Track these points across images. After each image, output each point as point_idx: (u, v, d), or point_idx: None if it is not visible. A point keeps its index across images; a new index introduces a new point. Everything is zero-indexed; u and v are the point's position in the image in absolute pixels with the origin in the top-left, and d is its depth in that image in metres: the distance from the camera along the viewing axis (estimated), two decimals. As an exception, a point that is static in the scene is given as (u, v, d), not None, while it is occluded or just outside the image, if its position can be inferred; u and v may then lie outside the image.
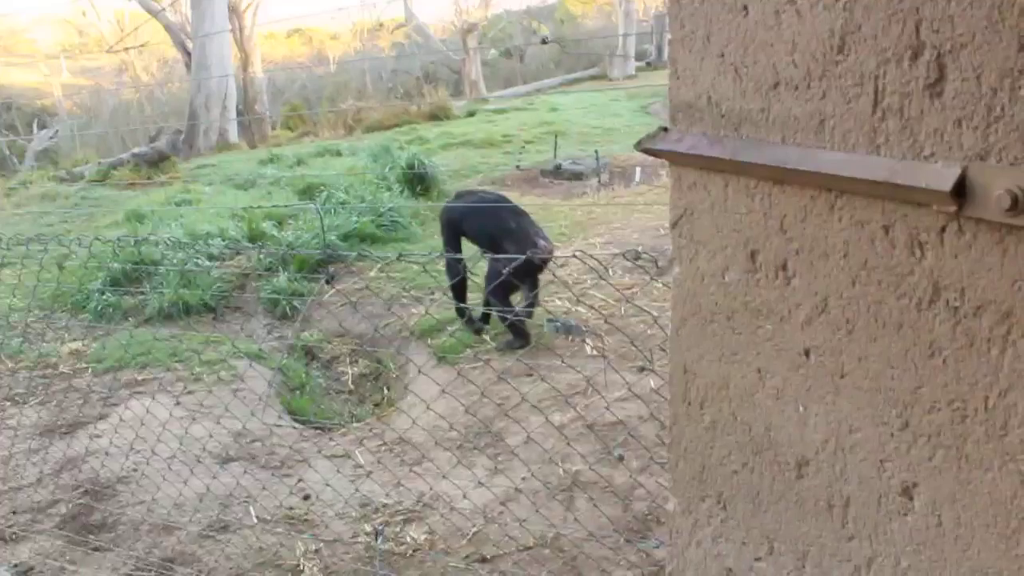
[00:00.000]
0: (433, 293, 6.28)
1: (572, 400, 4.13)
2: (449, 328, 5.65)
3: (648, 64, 24.59)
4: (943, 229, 1.03)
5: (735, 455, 1.39)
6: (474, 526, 3.60)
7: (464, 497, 3.58)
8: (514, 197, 9.53)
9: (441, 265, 6.76)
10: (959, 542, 1.11)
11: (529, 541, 3.46)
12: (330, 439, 4.72)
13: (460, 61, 23.32)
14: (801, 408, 1.26)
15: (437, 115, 17.18)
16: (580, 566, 3.27)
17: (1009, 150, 0.94)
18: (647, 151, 1.32)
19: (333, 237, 7.73)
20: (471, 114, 17.44)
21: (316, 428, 4.97)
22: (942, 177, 0.99)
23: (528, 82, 24.43)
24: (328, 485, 3.71)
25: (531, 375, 4.62)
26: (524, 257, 4.94)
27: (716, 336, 1.35)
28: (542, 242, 5.38)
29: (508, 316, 5.24)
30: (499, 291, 5.31)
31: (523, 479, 3.63)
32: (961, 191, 0.98)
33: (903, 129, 1.04)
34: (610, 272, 6.00)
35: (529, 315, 5.47)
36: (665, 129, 1.32)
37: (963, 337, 1.04)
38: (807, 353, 1.22)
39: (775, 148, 1.17)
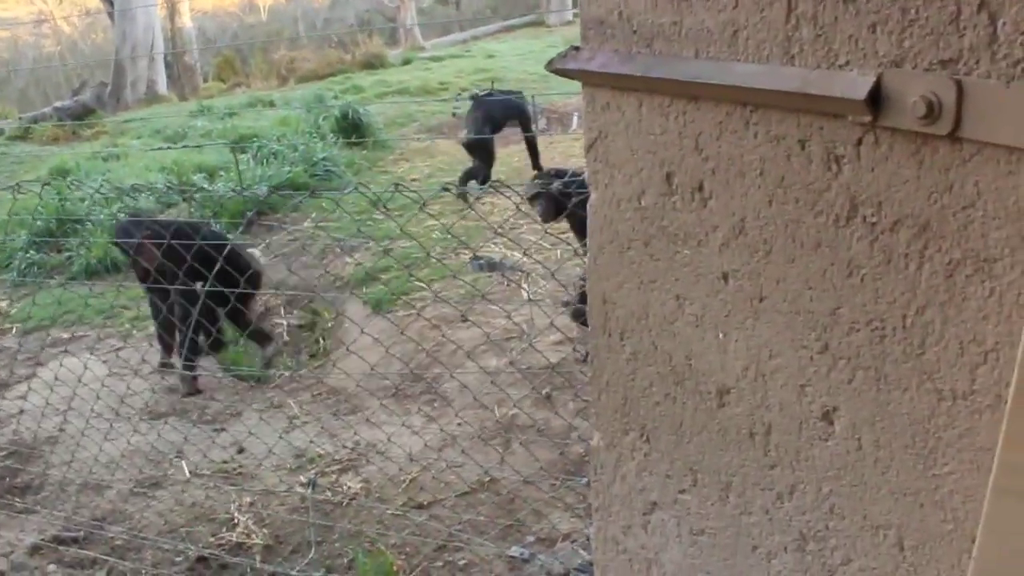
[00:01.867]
0: (368, 242, 6.18)
1: (507, 345, 4.09)
2: (383, 277, 5.57)
3: (586, 10, 24.32)
4: (859, 141, 0.99)
5: (657, 386, 1.35)
6: (409, 474, 3.57)
7: (399, 445, 3.54)
8: (450, 145, 9.46)
9: (380, 213, 6.64)
10: (878, 465, 1.09)
11: (464, 487, 3.44)
12: (264, 391, 4.64)
13: (395, 8, 22.84)
14: (721, 335, 1.22)
15: (372, 64, 16.86)
16: (516, 509, 3.26)
17: (924, 55, 0.90)
18: (557, 71, 1.26)
19: (264, 187, 7.55)
20: (407, 62, 17.15)
21: (250, 381, 4.88)
22: (857, 85, 0.94)
23: (465, 29, 24.07)
24: (259, 438, 3.64)
25: (466, 321, 4.58)
26: None
27: (634, 263, 1.30)
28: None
29: None
30: None
31: (458, 425, 3.60)
32: (876, 100, 0.94)
33: (817, 37, 0.99)
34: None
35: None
36: (576, 48, 1.26)
37: (881, 254, 1.01)
38: (725, 277, 1.19)
39: (688, 63, 1.12)
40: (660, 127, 1.19)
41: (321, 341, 5.56)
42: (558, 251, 5.45)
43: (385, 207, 2.81)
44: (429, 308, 4.95)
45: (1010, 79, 0.83)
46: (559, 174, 4.70)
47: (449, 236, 6.06)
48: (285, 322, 5.89)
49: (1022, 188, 0.86)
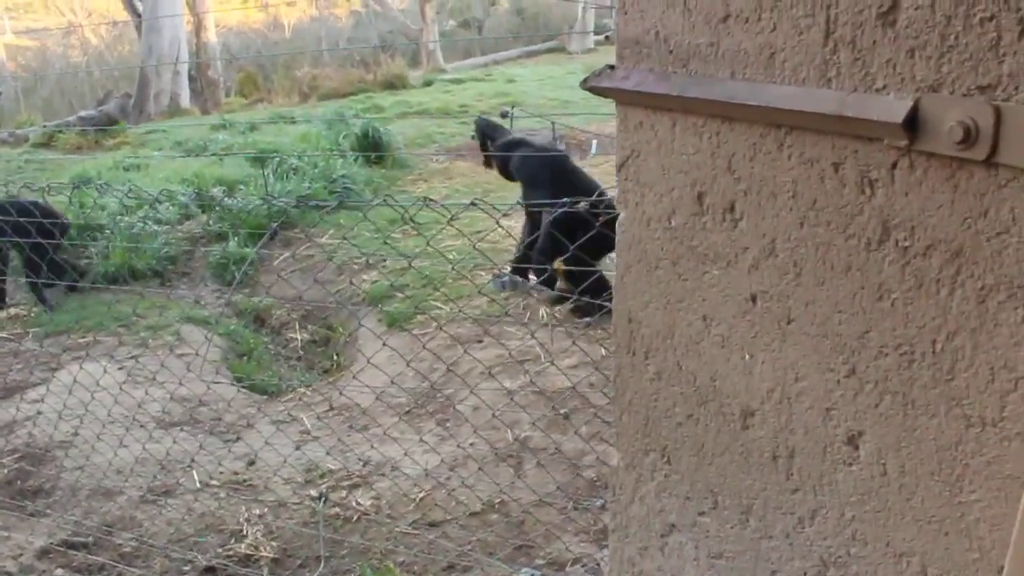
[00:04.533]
0: (385, 260, 6.19)
1: (523, 366, 4.09)
2: (399, 294, 5.58)
3: (607, 39, 24.46)
4: (894, 165, 0.99)
5: (680, 406, 1.35)
6: (421, 491, 3.56)
7: (411, 461, 3.53)
8: (469, 167, 9.50)
9: (399, 232, 6.65)
10: (903, 491, 1.09)
11: (476, 506, 3.43)
12: (277, 404, 4.65)
13: (418, 31, 23.04)
14: (747, 356, 1.22)
15: (393, 84, 16.97)
16: (528, 531, 3.25)
17: (962, 80, 0.91)
18: (592, 89, 1.27)
19: (283, 202, 7.59)
20: (428, 84, 17.25)
21: (263, 393, 4.88)
22: (894, 109, 0.95)
23: (486, 53, 24.23)
24: (273, 448, 3.65)
25: (482, 341, 4.58)
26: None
27: (661, 283, 1.31)
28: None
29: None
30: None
31: (471, 444, 3.59)
32: (913, 124, 0.94)
33: (855, 61, 1.00)
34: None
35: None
36: (612, 67, 1.27)
37: (912, 278, 1.01)
38: (754, 299, 1.19)
39: (724, 84, 1.13)
40: (693, 147, 1.20)
41: (335, 357, 5.57)
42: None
43: (413, 220, 2.80)
44: (445, 326, 4.96)
45: (1050, 106, 0.84)
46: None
47: (469, 253, 6.07)
48: (299, 337, 5.91)
49: (1059, 215, 0.86)
